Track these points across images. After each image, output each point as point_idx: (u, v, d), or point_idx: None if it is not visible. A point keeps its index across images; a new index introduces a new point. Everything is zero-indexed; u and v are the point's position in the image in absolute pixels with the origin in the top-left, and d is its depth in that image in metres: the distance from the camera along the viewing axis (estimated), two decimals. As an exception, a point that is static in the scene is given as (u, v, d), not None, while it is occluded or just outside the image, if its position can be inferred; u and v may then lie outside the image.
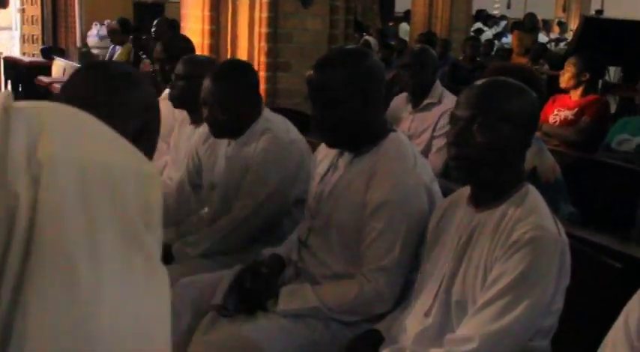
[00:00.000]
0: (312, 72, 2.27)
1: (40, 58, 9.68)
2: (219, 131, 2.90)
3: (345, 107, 2.22)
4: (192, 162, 3.25)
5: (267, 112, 2.94)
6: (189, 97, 3.26)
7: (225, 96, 2.78)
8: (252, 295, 2.33)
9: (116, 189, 0.85)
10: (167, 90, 4.14)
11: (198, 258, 2.85)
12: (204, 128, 3.20)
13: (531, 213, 1.80)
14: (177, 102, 3.47)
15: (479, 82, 1.95)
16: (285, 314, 2.26)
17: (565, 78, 4.80)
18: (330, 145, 2.37)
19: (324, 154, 2.48)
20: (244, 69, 2.95)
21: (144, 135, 1.49)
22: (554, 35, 14.78)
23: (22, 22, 12.55)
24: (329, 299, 2.24)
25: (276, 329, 2.24)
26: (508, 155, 1.86)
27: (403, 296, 2.20)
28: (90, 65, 1.54)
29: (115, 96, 1.50)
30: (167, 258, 2.84)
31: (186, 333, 2.38)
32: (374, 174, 2.22)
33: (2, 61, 9.96)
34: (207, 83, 2.82)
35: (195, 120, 3.48)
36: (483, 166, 1.85)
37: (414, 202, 2.19)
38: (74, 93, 1.54)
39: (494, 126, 1.82)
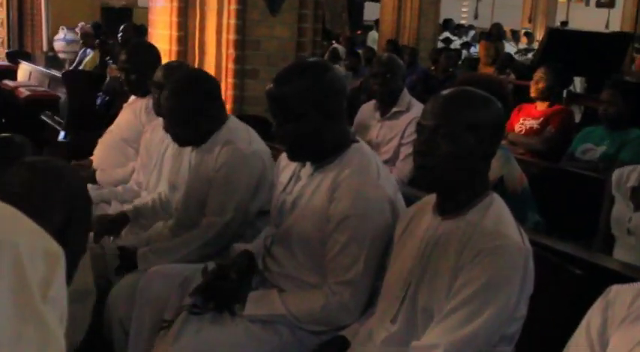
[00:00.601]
0: (271, 85, 2.28)
1: (5, 62, 9.56)
2: (179, 142, 2.92)
3: (305, 120, 2.23)
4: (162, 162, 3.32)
5: (231, 121, 2.94)
6: None
7: (179, 110, 2.79)
8: (220, 297, 2.34)
9: (18, 264, 0.96)
10: (132, 97, 4.14)
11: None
12: None
13: (496, 223, 1.83)
14: (157, 109, 3.46)
15: (444, 92, 1.97)
16: (251, 319, 2.27)
17: (538, 88, 4.86)
18: (291, 158, 2.37)
19: (287, 162, 2.48)
20: (200, 80, 2.93)
21: (71, 225, 1.54)
22: (522, 45, 14.96)
23: (-12, 26, 12.40)
24: (295, 308, 2.25)
25: (243, 334, 2.25)
26: (472, 164, 1.88)
27: (369, 303, 2.21)
28: (21, 163, 1.63)
29: (34, 192, 1.58)
30: (131, 262, 2.84)
31: (150, 330, 2.44)
32: (337, 187, 2.22)
33: (-34, 65, 9.82)
34: (163, 97, 2.84)
35: None
36: (447, 175, 1.87)
37: (377, 215, 2.20)
38: (6, 189, 1.62)
39: (458, 136, 1.84)
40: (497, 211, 1.87)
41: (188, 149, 3.03)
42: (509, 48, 12.78)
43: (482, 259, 1.76)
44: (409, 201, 2.33)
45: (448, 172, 1.86)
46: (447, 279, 1.82)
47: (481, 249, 1.77)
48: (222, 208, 2.79)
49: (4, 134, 2.40)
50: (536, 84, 4.89)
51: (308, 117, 2.22)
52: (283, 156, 2.52)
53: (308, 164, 2.36)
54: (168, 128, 2.88)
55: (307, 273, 2.30)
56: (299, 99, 2.21)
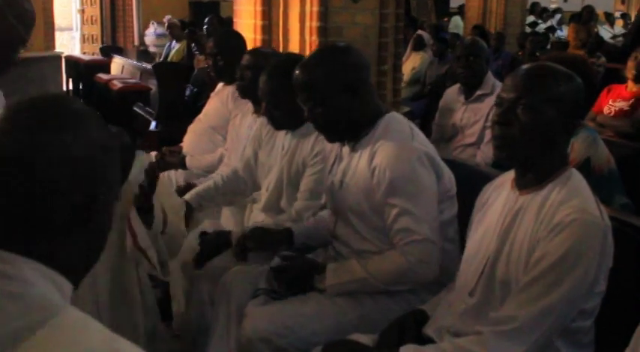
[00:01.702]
0: (297, 73, 2.39)
1: (99, 57, 9.93)
2: (276, 124, 3.00)
3: (333, 103, 2.35)
4: (252, 147, 3.35)
5: None
6: (254, 88, 3.31)
7: (277, 92, 2.86)
8: (296, 277, 2.45)
9: None
10: (220, 84, 4.27)
11: None
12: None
13: (574, 196, 1.83)
14: (242, 92, 3.57)
15: (525, 66, 1.98)
16: (333, 289, 2.35)
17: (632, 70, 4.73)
18: (329, 139, 2.49)
19: (330, 147, 2.60)
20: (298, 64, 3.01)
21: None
22: (618, 29, 14.45)
23: (82, 23, 12.89)
24: (375, 270, 2.32)
25: (328, 303, 2.35)
26: (551, 137, 1.89)
27: (446, 277, 2.25)
28: None
29: None
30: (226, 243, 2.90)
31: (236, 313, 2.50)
32: (374, 156, 2.31)
33: (64, 60, 10.24)
34: (262, 80, 2.92)
35: (258, 110, 3.59)
36: (525, 147, 1.89)
37: (418, 171, 2.28)
38: None
39: (537, 108, 1.86)
40: (575, 185, 1.87)
41: (281, 134, 3.10)
42: (604, 33, 12.41)
43: (559, 232, 1.77)
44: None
45: (526, 144, 1.88)
46: (525, 253, 1.84)
47: (558, 222, 1.78)
48: (317, 192, 2.86)
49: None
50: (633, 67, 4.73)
51: (335, 98, 2.34)
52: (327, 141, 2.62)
53: (346, 143, 2.46)
54: (265, 110, 2.95)
55: (373, 245, 2.38)
56: (323, 83, 2.34)
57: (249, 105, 3.72)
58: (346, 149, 2.48)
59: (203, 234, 3.00)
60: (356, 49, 2.50)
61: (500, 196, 2.03)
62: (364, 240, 2.40)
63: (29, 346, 0.95)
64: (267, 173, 3.16)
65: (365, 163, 2.35)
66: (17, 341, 0.95)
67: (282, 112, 2.90)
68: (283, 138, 3.08)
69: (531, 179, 1.93)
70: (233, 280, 2.63)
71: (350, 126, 2.39)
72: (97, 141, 1.11)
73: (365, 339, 2.11)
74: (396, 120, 2.41)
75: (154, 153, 4.29)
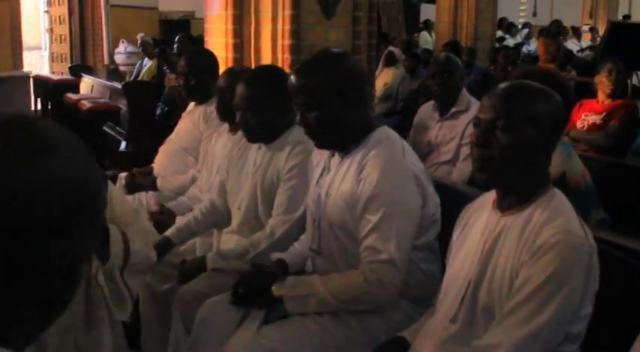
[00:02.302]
0: (292, 77, 2.35)
1: (68, 76, 9.81)
2: (251, 136, 2.92)
3: (326, 109, 2.30)
4: (225, 168, 3.27)
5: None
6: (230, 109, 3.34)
7: (256, 100, 2.81)
8: (254, 289, 2.41)
9: None
10: (192, 104, 4.20)
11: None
12: (240, 134, 3.27)
13: (557, 217, 1.78)
14: (222, 114, 3.51)
15: (502, 85, 1.94)
16: (289, 302, 2.29)
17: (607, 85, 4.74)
18: (318, 146, 2.44)
19: (319, 159, 2.54)
20: (277, 74, 2.95)
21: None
22: (585, 42, 14.59)
23: (51, 42, 12.73)
24: (334, 287, 2.27)
25: (312, 325, 2.28)
26: (532, 157, 1.84)
27: (427, 301, 2.19)
28: None
29: None
30: (201, 268, 2.85)
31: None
32: (362, 169, 2.27)
33: (32, 80, 10.10)
34: (240, 88, 2.86)
35: (234, 129, 3.55)
36: (507, 168, 1.83)
37: (404, 192, 2.24)
38: None
39: (517, 128, 1.81)
40: (558, 206, 1.82)
41: (253, 149, 3.04)
42: (572, 46, 12.51)
43: (543, 255, 1.71)
44: (469, 199, 2.30)
45: (507, 165, 1.83)
46: (508, 277, 1.78)
47: (542, 244, 1.72)
48: (291, 207, 2.79)
49: None
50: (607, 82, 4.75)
51: (329, 104, 2.30)
52: (315, 153, 2.60)
53: (336, 154, 2.41)
54: (240, 120, 2.88)
55: (356, 259, 2.29)
56: (319, 88, 2.29)
57: (224, 125, 3.66)
58: (335, 160, 2.42)
59: (182, 262, 2.96)
60: (355, 57, 2.50)
61: (480, 218, 1.97)
62: (351, 256, 2.33)
63: None
64: (238, 192, 3.09)
65: (352, 175, 2.30)
66: None
67: (258, 121, 2.83)
68: (255, 153, 3.01)
69: (513, 200, 1.87)
70: (211, 311, 2.51)
71: (340, 134, 2.34)
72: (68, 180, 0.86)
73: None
74: (389, 135, 2.37)
75: (123, 175, 4.20)
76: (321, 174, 2.47)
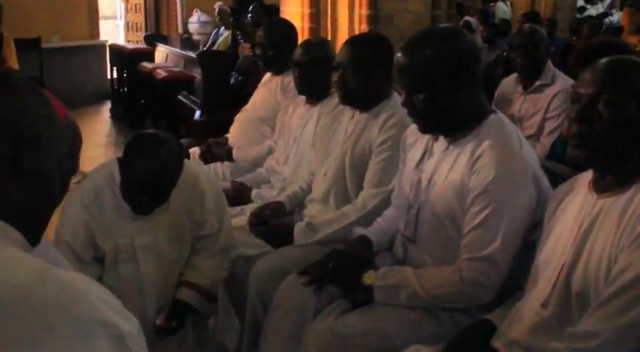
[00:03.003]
0: (399, 54, 2.19)
1: (143, 45, 9.91)
2: (347, 96, 2.86)
3: (436, 91, 2.14)
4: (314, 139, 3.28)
5: (395, 97, 2.85)
6: (310, 83, 3.42)
7: (359, 60, 2.74)
8: (341, 269, 2.30)
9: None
10: (267, 75, 4.16)
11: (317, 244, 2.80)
12: (322, 107, 3.36)
13: None
14: (299, 87, 3.50)
15: (603, 60, 1.82)
16: (379, 292, 2.20)
17: None
18: (424, 131, 2.28)
19: (415, 139, 2.40)
20: (385, 42, 2.87)
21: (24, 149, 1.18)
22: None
23: (127, 11, 12.90)
24: (426, 281, 2.16)
25: (403, 319, 2.18)
26: (634, 135, 1.73)
27: (514, 286, 2.10)
28: None
29: None
30: (289, 238, 2.85)
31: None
32: (477, 160, 2.11)
33: (108, 48, 10.25)
34: (344, 47, 2.80)
35: (311, 102, 3.55)
36: (608, 146, 1.73)
37: (519, 190, 2.08)
38: None
39: (622, 104, 1.70)
40: None
41: (345, 119, 3.00)
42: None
43: None
44: (553, 176, 2.20)
45: (609, 143, 1.72)
46: (605, 263, 1.68)
47: None
48: (384, 180, 2.71)
49: (149, 130, 2.49)
50: None
51: (440, 86, 2.13)
52: (409, 131, 2.45)
53: (441, 138, 2.26)
54: (339, 80, 2.84)
55: (457, 252, 2.16)
56: (430, 68, 2.12)
57: (301, 98, 3.62)
58: (440, 144, 2.27)
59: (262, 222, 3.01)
60: (469, 35, 2.30)
61: (575, 199, 1.87)
62: (451, 245, 2.20)
63: None
64: (325, 159, 3.04)
65: (464, 164, 2.14)
66: None
67: (356, 82, 2.77)
68: (347, 122, 2.96)
69: (612, 181, 1.77)
70: (293, 290, 2.43)
71: (449, 120, 2.19)
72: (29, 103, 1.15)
73: (426, 351, 1.97)
74: (503, 124, 2.20)
75: (195, 150, 4.20)
76: (422, 157, 2.34)
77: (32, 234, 1.15)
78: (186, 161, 2.60)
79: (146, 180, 2.34)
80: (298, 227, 2.84)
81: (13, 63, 7.09)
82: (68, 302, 0.98)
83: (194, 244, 2.75)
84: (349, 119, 2.94)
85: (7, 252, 1.03)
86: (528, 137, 3.93)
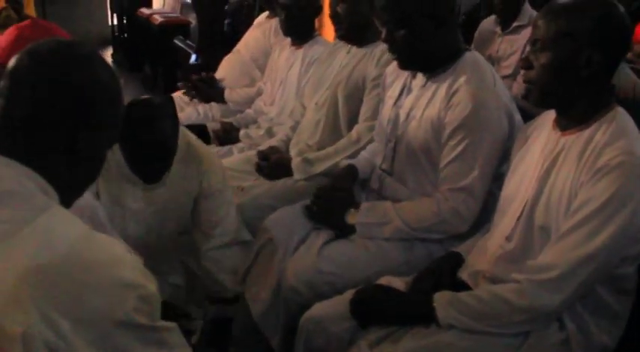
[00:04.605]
0: None
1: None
2: (340, 30, 2.88)
3: (416, 28, 2.13)
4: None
5: None
6: (296, 24, 3.42)
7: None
8: (330, 208, 2.31)
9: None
10: (263, 15, 4.09)
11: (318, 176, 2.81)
12: (306, 49, 3.41)
13: (620, 137, 1.63)
14: (285, 29, 3.48)
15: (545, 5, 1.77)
16: (362, 229, 2.21)
17: None
18: (403, 67, 2.27)
19: (395, 77, 2.39)
20: None
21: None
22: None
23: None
24: (407, 215, 2.18)
25: (376, 250, 2.20)
26: (576, 75, 1.67)
27: (484, 219, 2.10)
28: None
29: None
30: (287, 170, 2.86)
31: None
32: (453, 95, 2.11)
33: (108, -6, 10.05)
34: None
35: (296, 43, 3.53)
36: (549, 89, 1.71)
37: (494, 123, 2.08)
38: None
39: (551, 46, 1.68)
40: (621, 126, 1.66)
41: (342, 53, 2.97)
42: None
43: (604, 176, 1.58)
44: (527, 115, 2.17)
45: (549, 85, 1.70)
46: (566, 197, 1.66)
47: (603, 165, 1.59)
48: (378, 113, 2.65)
49: (143, 97, 2.35)
50: None
51: (418, 23, 2.12)
52: (389, 70, 2.45)
53: (419, 75, 2.26)
54: (332, 13, 2.83)
55: (431, 185, 2.20)
56: (410, 5, 2.11)
57: (287, 40, 3.57)
58: (418, 81, 2.27)
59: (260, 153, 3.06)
60: None
61: (540, 136, 1.85)
62: (425, 178, 2.23)
63: (27, 234, 1.04)
64: (317, 90, 3.01)
65: (441, 99, 2.14)
66: (20, 225, 1.05)
67: (350, 15, 2.77)
68: (344, 56, 2.94)
69: (571, 119, 1.74)
70: (280, 221, 2.40)
71: (428, 56, 2.18)
72: (98, 80, 1.18)
73: (398, 283, 1.96)
74: (478, 61, 2.19)
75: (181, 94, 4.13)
76: (400, 93, 2.33)
77: (66, 201, 1.20)
78: (194, 141, 2.50)
79: (153, 148, 2.22)
80: (296, 162, 2.84)
81: (31, 10, 6.94)
82: (109, 264, 1.08)
83: (205, 228, 2.53)
84: (345, 53, 2.92)
85: (59, 210, 1.12)
86: (505, 77, 3.90)
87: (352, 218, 2.25)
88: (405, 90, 2.32)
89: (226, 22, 6.22)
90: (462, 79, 2.11)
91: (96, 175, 1.28)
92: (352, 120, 2.83)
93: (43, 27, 4.35)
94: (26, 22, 4.34)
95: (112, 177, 2.36)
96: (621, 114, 1.71)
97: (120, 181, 2.38)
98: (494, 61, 4.03)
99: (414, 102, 2.25)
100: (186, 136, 2.45)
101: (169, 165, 2.33)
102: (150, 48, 7.20)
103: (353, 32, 2.84)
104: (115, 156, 2.30)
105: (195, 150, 2.46)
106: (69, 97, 1.14)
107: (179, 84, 4.28)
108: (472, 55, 2.21)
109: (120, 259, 1.11)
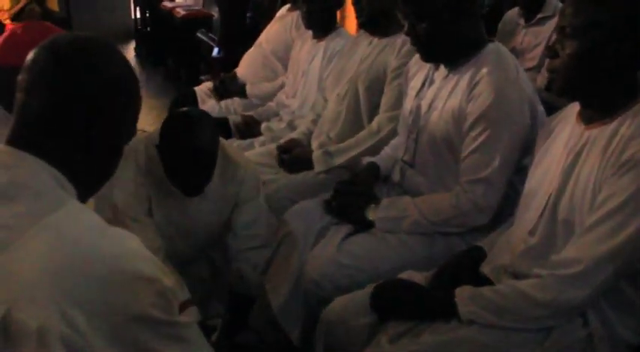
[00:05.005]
0: None
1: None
2: (362, 20, 2.85)
3: (438, 20, 2.11)
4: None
5: None
6: (316, 17, 3.40)
7: None
8: (349, 204, 2.30)
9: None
10: (284, 8, 4.08)
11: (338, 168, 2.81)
12: (327, 42, 3.40)
13: None
14: (307, 22, 3.47)
15: None
16: (382, 223, 2.20)
17: None
18: (426, 59, 2.26)
19: (417, 69, 2.38)
20: None
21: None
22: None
23: (149, -49, 12.64)
24: (427, 209, 2.17)
25: (397, 244, 2.19)
26: (603, 66, 1.64)
27: (505, 211, 2.07)
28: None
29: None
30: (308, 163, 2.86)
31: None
32: (475, 86, 2.09)
33: (131, -12, 10.08)
34: None
35: (318, 36, 3.52)
36: (573, 79, 1.68)
37: (516, 114, 2.06)
38: None
39: (579, 35, 1.63)
40: None
41: (363, 44, 2.95)
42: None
43: (629, 170, 1.55)
44: (550, 107, 2.14)
45: (574, 75, 1.67)
46: (590, 191, 1.64)
47: (629, 158, 1.56)
48: (399, 104, 2.63)
49: (182, 109, 2.33)
50: None
51: (440, 16, 2.10)
52: (412, 63, 2.43)
53: (441, 67, 2.25)
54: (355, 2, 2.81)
55: (452, 178, 2.18)
56: None
57: (308, 33, 3.55)
58: (440, 72, 2.25)
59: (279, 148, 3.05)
60: None
61: (564, 129, 1.82)
62: (446, 170, 2.21)
63: (43, 227, 1.04)
64: (339, 81, 3.00)
65: (462, 91, 2.13)
66: (36, 219, 1.05)
67: (375, 7, 2.76)
68: (365, 47, 2.92)
69: (595, 112, 1.70)
70: (300, 214, 2.40)
71: (451, 48, 2.17)
72: (115, 73, 1.19)
73: (418, 277, 1.95)
74: (501, 52, 2.17)
75: (208, 84, 4.14)
76: (422, 85, 2.31)
77: (83, 196, 1.19)
78: (231, 150, 2.48)
79: (194, 158, 2.18)
80: (316, 155, 2.84)
81: (53, 3, 6.98)
82: (125, 258, 1.08)
83: (237, 230, 2.50)
84: (367, 45, 2.90)
85: (75, 204, 1.12)
86: (529, 69, 3.85)
87: (372, 214, 2.24)
88: (427, 81, 2.31)
89: (248, 15, 6.21)
90: (484, 71, 2.09)
91: (112, 170, 1.28)
92: (373, 112, 2.82)
93: (38, 27, 4.41)
94: (21, 24, 4.43)
95: (162, 193, 2.35)
96: (647, 108, 1.67)
97: (166, 196, 2.37)
98: (518, 53, 3.98)
99: (436, 93, 2.23)
100: (223, 144, 2.42)
101: (210, 176, 2.29)
102: (173, 41, 7.22)
103: (375, 20, 2.83)
104: (158, 170, 2.29)
105: (231, 158, 2.44)
106: (86, 89, 1.14)
107: (202, 77, 4.28)
108: (495, 47, 2.19)
109: (135, 253, 1.10)
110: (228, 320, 2.63)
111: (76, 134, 1.16)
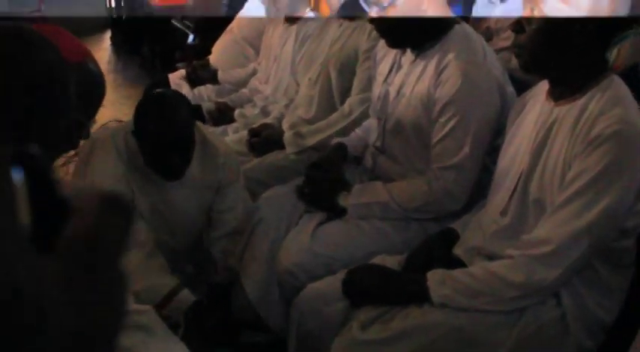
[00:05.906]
0: None
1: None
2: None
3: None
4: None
5: None
6: None
7: None
8: (321, 191, 2.26)
9: None
10: None
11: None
12: (299, 25, 3.38)
13: (614, 106, 1.58)
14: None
15: None
16: (354, 210, 2.17)
17: None
18: (392, 45, 2.21)
19: (385, 53, 2.33)
20: None
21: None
22: None
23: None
24: (399, 195, 2.13)
25: (375, 230, 2.16)
26: (567, 42, 1.61)
27: (478, 195, 2.05)
28: None
29: None
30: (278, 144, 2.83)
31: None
32: (442, 71, 2.05)
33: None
34: None
35: (289, 20, 3.50)
36: (539, 54, 1.65)
37: (485, 98, 2.03)
38: None
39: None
40: (616, 94, 1.61)
41: (334, 26, 2.93)
42: None
43: (598, 146, 1.53)
44: (524, 85, 2.11)
45: (540, 50, 1.64)
46: (560, 169, 1.61)
47: (597, 135, 1.53)
48: (370, 86, 2.58)
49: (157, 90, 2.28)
50: None
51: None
52: (379, 48, 2.39)
53: (408, 51, 2.20)
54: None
55: (423, 163, 2.15)
56: None
57: (280, 18, 3.51)
58: (407, 57, 2.21)
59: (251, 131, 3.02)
60: None
61: (534, 108, 1.79)
62: (415, 156, 2.18)
63: None
64: (311, 65, 2.97)
65: (430, 76, 2.09)
66: None
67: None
68: (335, 30, 2.90)
69: (564, 89, 1.68)
70: (273, 200, 2.36)
71: (417, 33, 2.12)
72: (47, 66, 1.18)
73: (391, 261, 1.92)
74: (468, 35, 2.13)
75: (182, 72, 4.09)
76: (390, 70, 2.27)
77: None
78: (209, 134, 2.43)
79: (171, 139, 2.13)
80: (287, 136, 2.80)
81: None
82: None
83: (215, 215, 2.47)
84: (337, 27, 2.88)
85: None
86: (504, 49, 3.81)
87: (344, 200, 2.20)
88: (394, 66, 2.27)
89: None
90: (451, 55, 2.05)
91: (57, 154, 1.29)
92: (346, 95, 2.79)
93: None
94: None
95: (144, 182, 2.29)
96: (617, 83, 1.65)
97: (148, 186, 2.31)
98: (493, 32, 3.96)
99: (404, 79, 2.20)
100: (201, 130, 2.37)
101: (189, 159, 2.24)
102: (149, 29, 7.15)
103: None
104: (138, 159, 2.23)
105: (211, 143, 2.39)
106: (19, 83, 1.13)
107: (177, 65, 4.23)
108: (462, 28, 2.15)
109: None
110: (206, 310, 2.59)
111: (12, 128, 1.14)
